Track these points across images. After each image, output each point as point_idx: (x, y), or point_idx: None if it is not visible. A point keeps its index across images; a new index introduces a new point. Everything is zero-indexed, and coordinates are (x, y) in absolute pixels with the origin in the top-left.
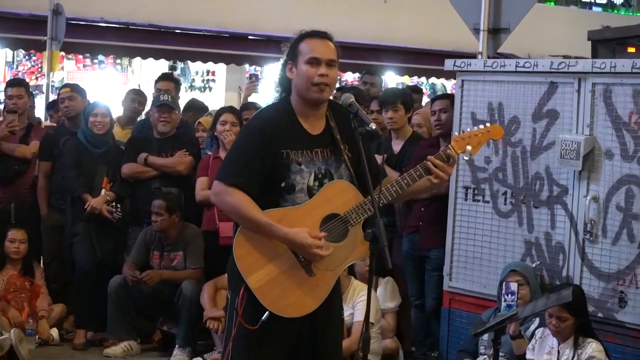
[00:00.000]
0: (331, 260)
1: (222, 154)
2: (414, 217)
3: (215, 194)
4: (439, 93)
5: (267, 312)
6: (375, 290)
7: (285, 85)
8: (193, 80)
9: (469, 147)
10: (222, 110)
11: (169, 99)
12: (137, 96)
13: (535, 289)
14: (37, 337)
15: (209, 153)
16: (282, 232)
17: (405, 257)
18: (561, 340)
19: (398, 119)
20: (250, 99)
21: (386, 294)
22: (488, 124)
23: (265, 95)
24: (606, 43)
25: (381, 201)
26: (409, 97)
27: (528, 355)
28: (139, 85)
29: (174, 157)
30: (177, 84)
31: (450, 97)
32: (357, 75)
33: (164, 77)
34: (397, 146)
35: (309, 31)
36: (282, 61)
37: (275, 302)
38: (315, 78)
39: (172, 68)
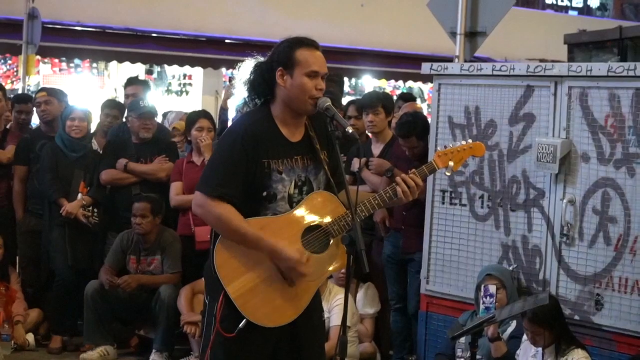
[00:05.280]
0: (312, 271)
1: (196, 158)
2: (396, 220)
3: (199, 205)
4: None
5: (244, 320)
6: (355, 295)
7: (261, 90)
8: (170, 84)
9: (451, 163)
10: (197, 116)
11: (149, 105)
12: (111, 110)
13: (512, 292)
14: (12, 342)
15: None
16: (269, 245)
17: (386, 261)
18: (543, 348)
19: (378, 122)
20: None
21: (366, 300)
22: (470, 140)
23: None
24: (582, 47)
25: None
26: (389, 101)
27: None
28: (115, 90)
29: (154, 163)
30: (145, 85)
31: (415, 131)
32: None
33: (131, 82)
34: (377, 150)
35: (301, 39)
36: (253, 64)
37: (254, 311)
38: (313, 91)
39: (149, 72)
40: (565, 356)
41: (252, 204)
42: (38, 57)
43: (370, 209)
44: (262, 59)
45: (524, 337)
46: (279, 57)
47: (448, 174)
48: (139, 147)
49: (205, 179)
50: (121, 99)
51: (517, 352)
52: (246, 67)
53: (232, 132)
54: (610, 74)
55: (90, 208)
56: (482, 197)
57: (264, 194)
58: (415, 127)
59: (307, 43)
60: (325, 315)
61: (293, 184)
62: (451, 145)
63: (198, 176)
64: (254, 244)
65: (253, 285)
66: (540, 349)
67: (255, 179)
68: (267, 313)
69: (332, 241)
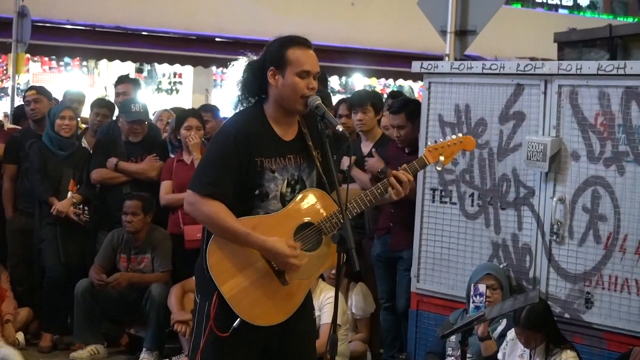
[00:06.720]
0: (305, 269)
1: (186, 157)
2: (384, 219)
3: (190, 203)
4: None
5: (238, 319)
6: (346, 294)
7: (253, 89)
8: (160, 82)
9: (441, 158)
10: (186, 115)
11: (140, 109)
12: (100, 109)
13: (506, 292)
14: (2, 341)
15: (172, 156)
16: (259, 241)
17: (376, 260)
18: (533, 348)
19: (367, 121)
20: (214, 101)
21: (361, 300)
22: (460, 135)
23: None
24: (572, 45)
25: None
26: (378, 99)
27: (500, 357)
28: (105, 88)
29: (145, 162)
30: (136, 84)
31: (406, 109)
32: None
33: (122, 80)
34: (366, 148)
35: (293, 38)
36: (246, 63)
37: (248, 311)
38: (305, 91)
39: (139, 70)
40: (554, 356)
41: (244, 203)
42: (28, 55)
43: (362, 205)
44: (254, 57)
45: (508, 335)
46: (271, 56)
47: (439, 168)
48: (129, 146)
49: (196, 178)
50: (111, 97)
51: (502, 350)
52: (239, 66)
53: (225, 131)
54: (600, 72)
55: (81, 206)
56: (472, 195)
57: (256, 192)
58: (407, 105)
59: (299, 42)
60: (316, 313)
61: (286, 182)
62: (442, 140)
63: (188, 175)
64: (244, 241)
65: (246, 285)
66: (528, 349)
67: (248, 178)
68: (261, 312)
69: (324, 239)
